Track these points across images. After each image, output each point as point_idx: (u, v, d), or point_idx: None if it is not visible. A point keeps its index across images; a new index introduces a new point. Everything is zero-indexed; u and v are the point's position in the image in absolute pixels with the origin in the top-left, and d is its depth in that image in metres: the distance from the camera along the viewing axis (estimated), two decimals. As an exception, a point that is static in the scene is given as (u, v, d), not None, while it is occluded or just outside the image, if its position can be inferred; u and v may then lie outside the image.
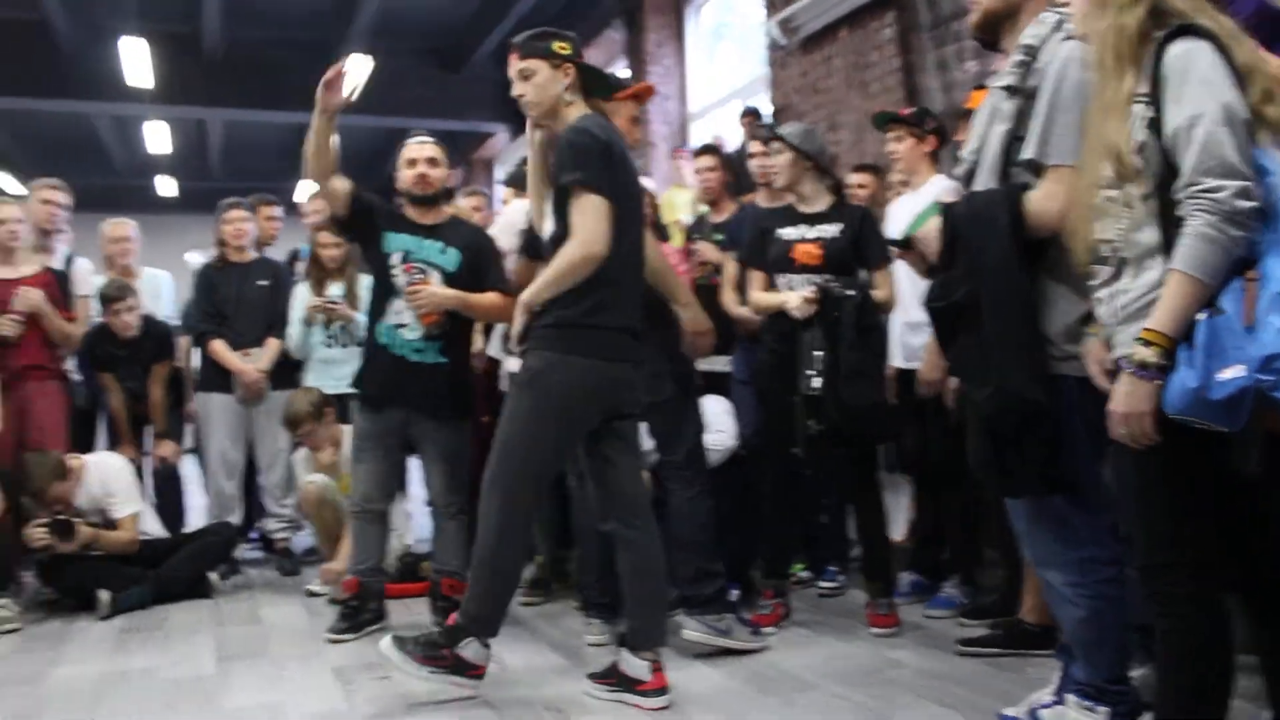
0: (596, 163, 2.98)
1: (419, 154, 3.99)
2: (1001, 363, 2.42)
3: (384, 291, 3.92)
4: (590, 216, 2.96)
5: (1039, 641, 3.32)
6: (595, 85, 3.24)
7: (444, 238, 3.94)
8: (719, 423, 4.09)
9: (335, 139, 3.73)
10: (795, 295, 3.73)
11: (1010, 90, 2.48)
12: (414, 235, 3.93)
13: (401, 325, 3.88)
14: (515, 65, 3.13)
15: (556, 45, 3.13)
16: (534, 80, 3.11)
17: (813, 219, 3.86)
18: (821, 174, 3.89)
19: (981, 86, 4.03)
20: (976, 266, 2.47)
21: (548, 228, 3.18)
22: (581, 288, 3.00)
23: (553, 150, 3.12)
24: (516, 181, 5.18)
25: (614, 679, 3.09)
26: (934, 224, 2.60)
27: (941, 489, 4.11)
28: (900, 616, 3.79)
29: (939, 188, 4.12)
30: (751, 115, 6.45)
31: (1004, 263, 2.41)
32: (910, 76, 5.89)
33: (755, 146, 4.72)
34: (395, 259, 3.88)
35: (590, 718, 2.97)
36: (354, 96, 3.67)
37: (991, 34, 2.62)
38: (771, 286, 3.90)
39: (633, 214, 3.13)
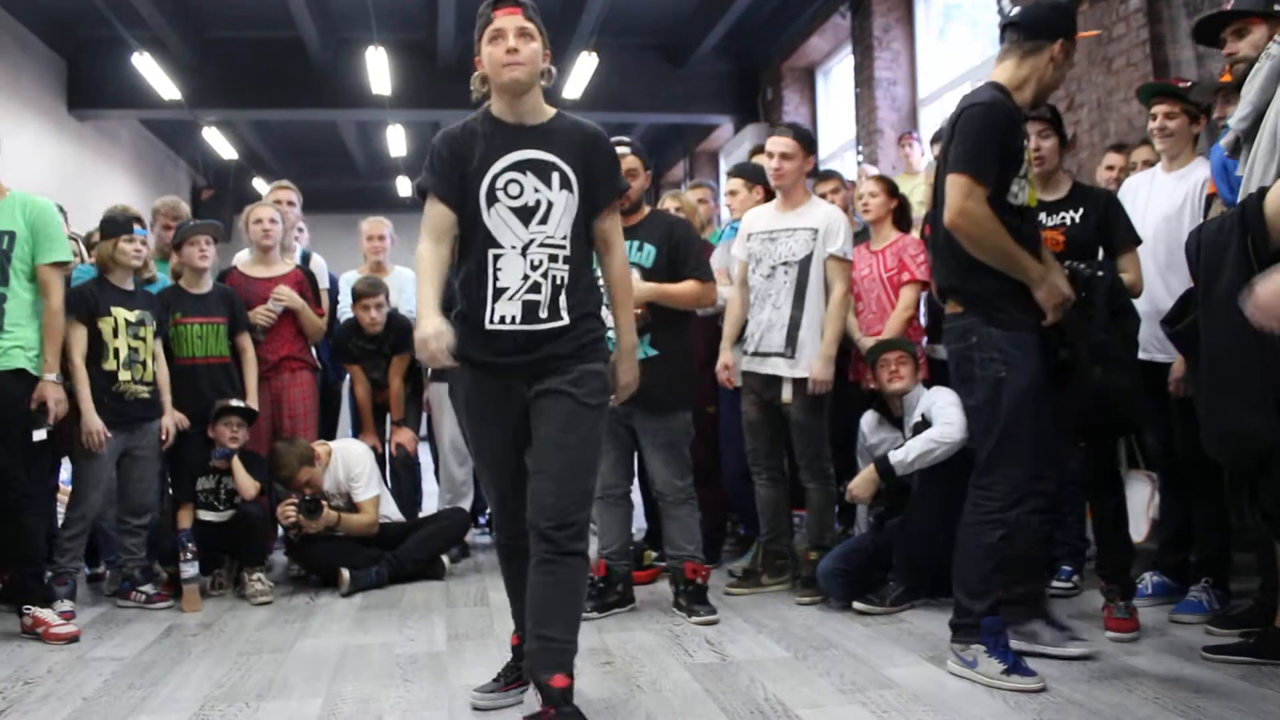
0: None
1: None
2: (1217, 404, 2.19)
3: None
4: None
5: (1297, 654, 3.04)
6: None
7: (640, 236, 4.01)
8: (945, 414, 3.93)
9: None
10: None
11: None
12: None
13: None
14: (514, 20, 2.73)
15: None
16: (532, 45, 2.74)
17: (1053, 206, 3.68)
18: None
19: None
20: (1203, 299, 2.25)
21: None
22: (597, 298, 2.90)
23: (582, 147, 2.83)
24: (744, 173, 5.14)
25: None
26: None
27: (1191, 488, 3.83)
28: (1140, 621, 3.55)
29: (1204, 172, 3.84)
30: None
31: (1229, 300, 2.16)
32: (1159, 49, 5.50)
33: None
34: None
35: (814, 711, 2.90)
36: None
37: None
38: None
39: None
